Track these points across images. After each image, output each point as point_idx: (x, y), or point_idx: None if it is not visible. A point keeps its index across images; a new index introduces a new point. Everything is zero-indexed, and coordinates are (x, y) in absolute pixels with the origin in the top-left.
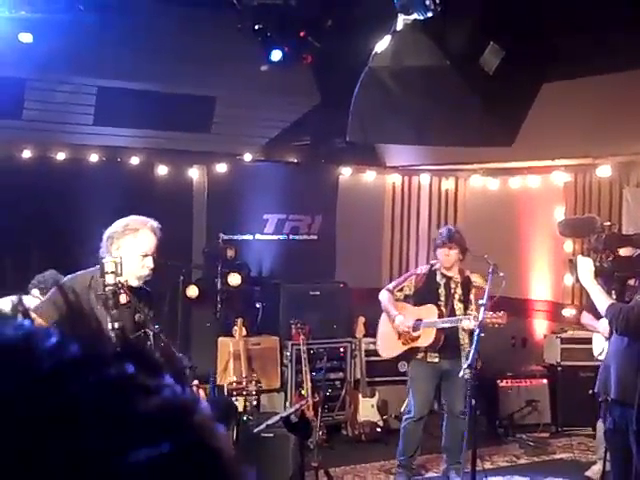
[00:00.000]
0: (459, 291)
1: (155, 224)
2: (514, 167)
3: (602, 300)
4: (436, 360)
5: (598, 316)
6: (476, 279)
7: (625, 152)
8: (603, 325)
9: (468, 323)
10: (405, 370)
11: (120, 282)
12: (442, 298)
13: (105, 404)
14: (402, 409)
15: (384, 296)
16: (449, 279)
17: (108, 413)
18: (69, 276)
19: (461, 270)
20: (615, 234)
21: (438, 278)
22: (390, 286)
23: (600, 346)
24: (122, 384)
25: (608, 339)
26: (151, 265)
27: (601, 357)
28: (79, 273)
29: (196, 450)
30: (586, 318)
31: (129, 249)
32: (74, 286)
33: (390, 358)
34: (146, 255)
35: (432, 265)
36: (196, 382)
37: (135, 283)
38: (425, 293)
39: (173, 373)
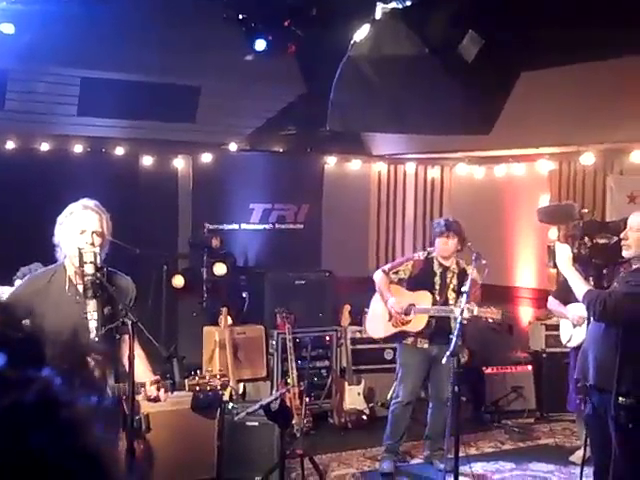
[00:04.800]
0: (454, 281)
1: (90, 202)
2: (499, 155)
3: (580, 286)
4: (426, 346)
5: (566, 302)
6: (471, 271)
7: (608, 140)
8: (572, 311)
9: (463, 314)
10: (391, 358)
11: (97, 271)
12: (437, 287)
13: None
14: (389, 395)
15: (378, 277)
16: (446, 269)
17: None
18: (29, 275)
19: (458, 262)
20: (593, 221)
21: (435, 267)
22: (386, 267)
23: (568, 333)
24: None
25: (587, 325)
26: (89, 240)
27: (570, 344)
28: (39, 270)
29: (52, 450)
30: (553, 304)
31: (67, 231)
32: (30, 285)
33: (377, 338)
34: (83, 232)
35: (429, 253)
36: (157, 377)
37: (89, 269)
38: (420, 280)
39: (63, 366)
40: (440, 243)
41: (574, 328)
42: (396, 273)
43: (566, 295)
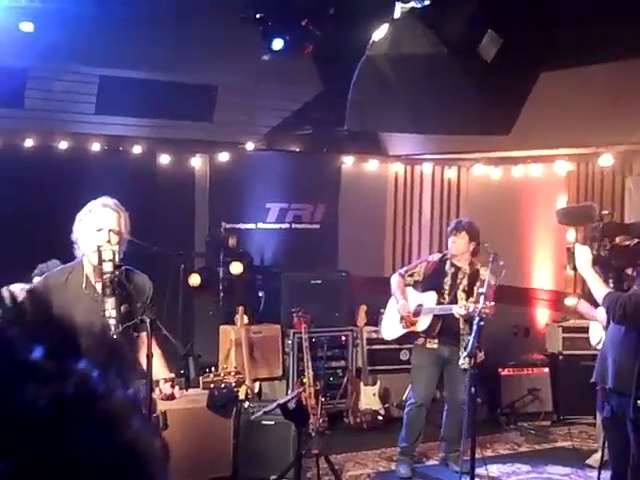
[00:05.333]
0: (465, 282)
1: (110, 200)
2: (516, 156)
3: (599, 288)
4: (435, 346)
5: (596, 304)
6: (484, 272)
7: (627, 141)
8: (602, 314)
9: (459, 310)
10: (407, 358)
11: (116, 269)
12: (446, 287)
13: None
14: (404, 397)
15: (394, 280)
16: (458, 269)
17: None
18: (46, 273)
19: (472, 263)
20: (613, 223)
21: (447, 267)
22: (402, 270)
23: (598, 335)
24: (12, 368)
25: (606, 328)
26: (106, 238)
27: (599, 346)
28: (56, 268)
29: (88, 445)
30: (584, 306)
31: (84, 228)
32: (47, 284)
33: (390, 340)
34: (100, 229)
35: (444, 254)
36: (172, 375)
37: (108, 267)
38: (432, 281)
39: (99, 358)
40: (450, 242)
41: (604, 330)
42: (411, 276)
43: None
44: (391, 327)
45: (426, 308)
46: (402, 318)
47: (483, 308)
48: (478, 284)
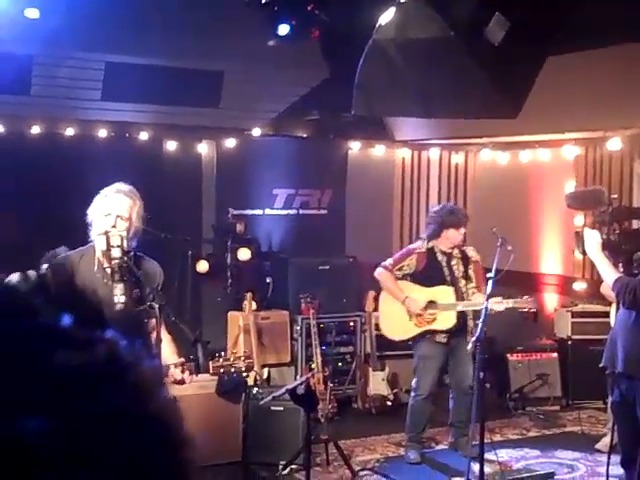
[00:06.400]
0: (461, 268)
1: (125, 187)
2: (524, 141)
3: (609, 273)
4: (444, 340)
5: None
6: (472, 253)
7: (636, 125)
8: None
9: (498, 307)
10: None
11: (124, 255)
12: (447, 278)
13: (15, 354)
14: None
15: (383, 275)
16: (449, 256)
17: (16, 365)
18: (60, 255)
19: (458, 244)
20: (623, 207)
21: (439, 257)
22: (387, 264)
23: None
24: (42, 334)
25: (616, 312)
26: (112, 223)
27: None
28: (71, 252)
29: (118, 412)
30: (607, 288)
31: (95, 212)
32: (62, 263)
33: (401, 341)
34: (108, 215)
35: (428, 241)
36: (182, 360)
37: (116, 253)
38: (428, 273)
39: (122, 328)
40: (456, 234)
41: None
42: (400, 269)
43: None
44: (400, 327)
45: (442, 304)
46: (413, 316)
47: (524, 304)
48: (472, 267)
